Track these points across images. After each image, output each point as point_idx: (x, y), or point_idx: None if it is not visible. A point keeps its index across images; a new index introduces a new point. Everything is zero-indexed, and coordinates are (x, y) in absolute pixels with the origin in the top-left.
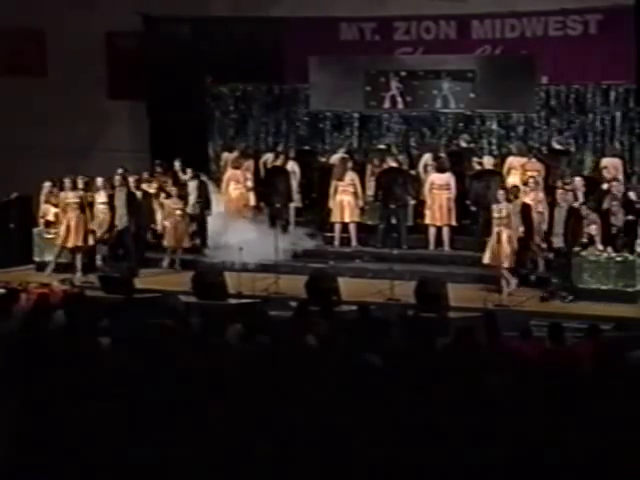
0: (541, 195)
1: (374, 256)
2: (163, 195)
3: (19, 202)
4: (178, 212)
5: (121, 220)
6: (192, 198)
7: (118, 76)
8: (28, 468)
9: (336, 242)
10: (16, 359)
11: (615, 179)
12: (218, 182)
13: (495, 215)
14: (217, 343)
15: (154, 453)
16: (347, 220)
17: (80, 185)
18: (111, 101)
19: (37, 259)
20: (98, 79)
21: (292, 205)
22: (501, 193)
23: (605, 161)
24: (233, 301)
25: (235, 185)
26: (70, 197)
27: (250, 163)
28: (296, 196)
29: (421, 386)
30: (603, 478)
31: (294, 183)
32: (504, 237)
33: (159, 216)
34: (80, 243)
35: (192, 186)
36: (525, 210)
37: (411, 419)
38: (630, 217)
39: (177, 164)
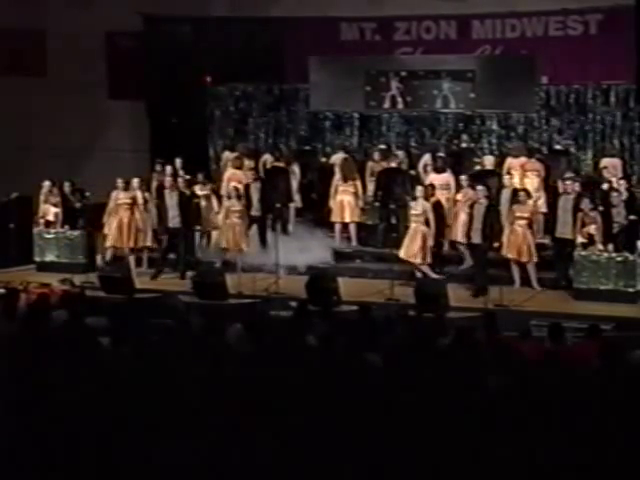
0: (471, 193)
1: (374, 256)
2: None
3: (19, 202)
4: (236, 214)
5: (173, 221)
6: (255, 200)
7: (118, 76)
8: (27, 467)
9: (336, 242)
10: (16, 359)
11: (608, 181)
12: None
13: (412, 212)
14: (217, 343)
15: (153, 453)
16: (347, 220)
17: (121, 185)
18: (111, 101)
19: (37, 259)
20: (98, 79)
21: (292, 205)
22: (419, 189)
23: (605, 161)
24: (233, 301)
25: (235, 185)
26: (122, 197)
27: (250, 163)
28: (296, 196)
29: (421, 386)
30: (603, 478)
31: (294, 183)
32: (419, 234)
33: (209, 217)
34: (132, 244)
35: (254, 187)
36: (436, 208)
37: (411, 419)
38: (632, 217)
39: (178, 162)
